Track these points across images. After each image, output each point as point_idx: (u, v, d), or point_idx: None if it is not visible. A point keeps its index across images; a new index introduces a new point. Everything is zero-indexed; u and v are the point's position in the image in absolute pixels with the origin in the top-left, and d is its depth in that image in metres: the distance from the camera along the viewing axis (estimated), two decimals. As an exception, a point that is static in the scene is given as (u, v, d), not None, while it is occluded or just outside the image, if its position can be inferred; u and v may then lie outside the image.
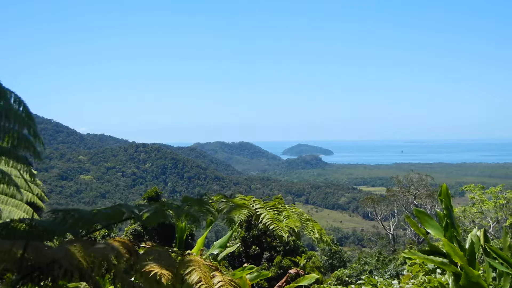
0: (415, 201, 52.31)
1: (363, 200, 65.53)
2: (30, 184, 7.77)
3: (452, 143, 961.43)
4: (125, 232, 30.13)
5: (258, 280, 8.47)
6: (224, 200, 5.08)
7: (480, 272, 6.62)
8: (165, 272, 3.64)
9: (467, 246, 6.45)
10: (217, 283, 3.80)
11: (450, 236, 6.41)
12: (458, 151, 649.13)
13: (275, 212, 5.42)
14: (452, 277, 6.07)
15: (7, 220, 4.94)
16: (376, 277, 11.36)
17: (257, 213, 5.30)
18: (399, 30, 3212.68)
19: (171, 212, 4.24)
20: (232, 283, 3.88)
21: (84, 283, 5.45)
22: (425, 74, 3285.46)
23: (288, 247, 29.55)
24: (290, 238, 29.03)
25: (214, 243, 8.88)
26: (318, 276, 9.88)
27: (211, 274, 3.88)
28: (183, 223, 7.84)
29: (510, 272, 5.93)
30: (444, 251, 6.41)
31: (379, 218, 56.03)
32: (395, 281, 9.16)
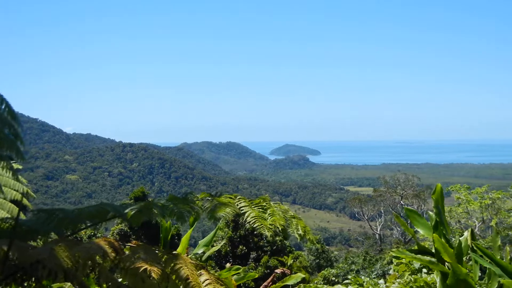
0: (401, 201, 52.52)
1: (350, 200, 65.78)
2: (14, 181, 7.72)
3: (439, 144, 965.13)
4: (111, 232, 30.03)
5: (245, 280, 8.46)
6: (209, 199, 5.07)
7: (467, 271, 6.65)
8: (154, 268, 3.62)
9: (455, 245, 6.48)
10: (204, 281, 3.79)
11: (439, 235, 6.42)
12: (445, 152, 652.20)
13: (260, 210, 5.40)
14: (440, 276, 6.08)
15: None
16: (363, 277, 11.38)
17: (242, 211, 5.29)
18: (394, 30, 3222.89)
19: (156, 211, 4.22)
20: (219, 281, 3.88)
21: (69, 284, 5.42)
22: (414, 75, 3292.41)
23: (275, 247, 29.55)
24: (277, 238, 29.09)
25: (199, 242, 8.87)
26: (304, 276, 9.91)
27: (198, 272, 3.87)
28: (168, 223, 7.83)
29: (496, 271, 5.95)
30: (433, 250, 6.43)
31: (366, 218, 56.22)
32: (381, 281, 9.18)
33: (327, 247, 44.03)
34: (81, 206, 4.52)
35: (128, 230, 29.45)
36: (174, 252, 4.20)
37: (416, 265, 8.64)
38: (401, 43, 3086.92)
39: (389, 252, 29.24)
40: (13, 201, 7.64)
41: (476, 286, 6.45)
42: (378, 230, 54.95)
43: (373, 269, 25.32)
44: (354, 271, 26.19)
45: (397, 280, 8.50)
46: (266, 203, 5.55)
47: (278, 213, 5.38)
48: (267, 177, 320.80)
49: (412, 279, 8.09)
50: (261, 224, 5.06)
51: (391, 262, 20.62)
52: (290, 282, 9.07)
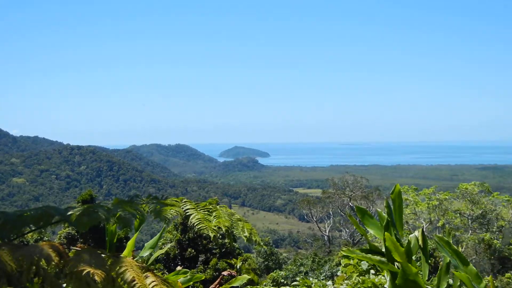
0: (350, 203, 52.94)
1: (299, 202, 66.17)
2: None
3: (387, 146, 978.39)
4: (58, 235, 29.64)
5: (193, 283, 8.44)
6: (155, 202, 5.03)
7: (417, 270, 6.73)
8: (98, 271, 3.57)
9: (405, 245, 6.54)
10: (151, 283, 3.76)
11: (390, 234, 6.47)
12: (393, 153, 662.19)
13: (206, 212, 5.39)
14: (389, 275, 6.13)
15: None
16: (311, 279, 11.43)
17: (187, 213, 5.26)
18: (339, 28, 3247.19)
19: (101, 214, 4.18)
20: (165, 283, 3.85)
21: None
22: (358, 77, 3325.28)
23: (224, 250, 29.56)
24: (226, 241, 29.08)
25: (145, 244, 8.83)
26: (249, 276, 9.91)
27: (144, 274, 3.84)
28: (113, 226, 7.75)
29: (460, 266, 6.02)
30: (383, 249, 6.47)
31: (315, 220, 56.54)
32: (330, 282, 9.22)
33: (276, 249, 44.22)
34: (24, 209, 4.43)
35: (76, 234, 29.10)
36: (119, 255, 4.15)
37: (364, 266, 8.71)
38: (348, 41, 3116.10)
39: (337, 254, 29.53)
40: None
41: (425, 285, 6.54)
42: (327, 232, 55.33)
43: (321, 271, 25.49)
44: (303, 273, 26.33)
45: (345, 281, 8.55)
46: (212, 206, 5.54)
47: (224, 215, 5.37)
48: (216, 179, 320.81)
49: (360, 280, 8.14)
50: (205, 226, 5.04)
51: (340, 264, 20.82)
52: (236, 283, 9.09)
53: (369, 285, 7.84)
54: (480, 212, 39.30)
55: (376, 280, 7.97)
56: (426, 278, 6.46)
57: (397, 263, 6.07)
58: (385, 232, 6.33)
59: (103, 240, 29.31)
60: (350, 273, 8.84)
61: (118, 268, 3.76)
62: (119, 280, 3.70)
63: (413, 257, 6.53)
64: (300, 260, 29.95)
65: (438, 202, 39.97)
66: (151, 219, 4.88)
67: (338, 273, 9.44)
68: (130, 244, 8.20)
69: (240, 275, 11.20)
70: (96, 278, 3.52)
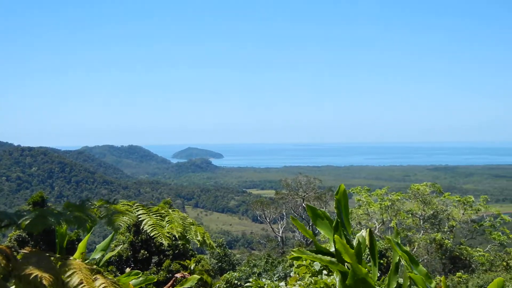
0: (303, 204, 53.19)
1: (252, 203, 66.33)
2: None
3: (340, 147, 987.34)
4: (9, 238, 29.19)
5: (144, 285, 8.37)
6: (106, 206, 4.97)
7: (367, 271, 6.76)
8: (45, 274, 3.52)
9: (355, 246, 6.57)
10: (100, 285, 3.71)
11: (340, 235, 6.49)
12: (346, 154, 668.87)
13: (158, 217, 5.34)
14: (339, 276, 6.15)
15: None
16: (264, 279, 11.44)
17: (140, 219, 5.21)
18: (294, 30, 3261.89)
19: (51, 218, 4.11)
20: (115, 284, 3.80)
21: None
22: (308, 78, 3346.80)
23: (177, 251, 29.45)
24: (179, 242, 28.98)
25: (97, 246, 8.74)
26: (200, 276, 9.90)
27: (93, 277, 3.79)
28: (64, 229, 7.66)
29: (409, 266, 6.08)
30: (332, 250, 6.49)
31: (268, 221, 56.71)
32: (283, 283, 9.24)
33: (229, 250, 44.26)
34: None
35: (27, 236, 28.70)
36: (69, 257, 4.09)
37: (317, 267, 8.74)
38: (299, 43, 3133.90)
39: (289, 253, 29.64)
40: None
41: (376, 286, 6.58)
42: (280, 232, 55.58)
43: (275, 272, 25.56)
44: (256, 274, 26.36)
45: (298, 282, 8.56)
46: (165, 211, 5.50)
47: (177, 220, 5.34)
48: (169, 180, 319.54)
49: (313, 281, 8.17)
50: (158, 233, 5.00)
51: (293, 264, 20.93)
52: (187, 284, 9.07)
53: (322, 286, 7.86)
54: (431, 212, 39.92)
55: (329, 280, 8.00)
56: (376, 278, 6.50)
57: (347, 264, 6.10)
58: (335, 235, 6.34)
59: (54, 242, 29.00)
60: (303, 273, 8.85)
61: (66, 270, 3.71)
62: (67, 282, 3.65)
63: (364, 257, 6.57)
64: (253, 261, 29.97)
65: (390, 203, 40.47)
66: (104, 221, 4.83)
67: (291, 274, 9.45)
68: (81, 246, 8.11)
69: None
70: (44, 281, 3.47)
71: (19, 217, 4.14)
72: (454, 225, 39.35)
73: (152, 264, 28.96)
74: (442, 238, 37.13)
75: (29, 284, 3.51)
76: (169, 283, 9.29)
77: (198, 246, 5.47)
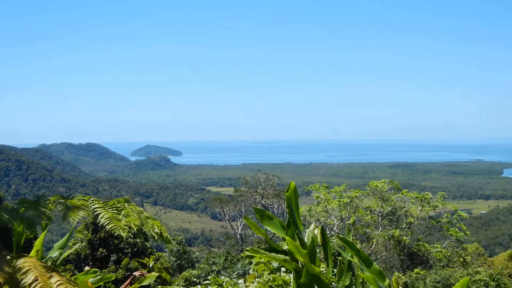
0: (262, 201, 53.26)
1: (211, 201, 66.31)
2: None
3: (299, 144, 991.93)
4: (-36, 237, 28.76)
5: (103, 283, 8.33)
6: (62, 201, 4.93)
7: (321, 268, 6.79)
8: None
9: (308, 243, 6.59)
10: (55, 282, 3.68)
11: (292, 234, 6.49)
12: (305, 151, 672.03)
13: (115, 211, 5.32)
14: (294, 274, 6.17)
15: None
16: (223, 277, 11.44)
17: (96, 213, 5.18)
18: (253, 30, 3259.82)
19: (5, 215, 4.06)
20: (71, 282, 3.78)
21: None
22: (270, 77, 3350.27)
23: (136, 249, 29.31)
24: (138, 240, 28.87)
25: (54, 245, 8.67)
26: (158, 274, 9.89)
27: (49, 274, 3.76)
28: (20, 227, 7.58)
29: (359, 263, 6.12)
30: (285, 248, 6.51)
31: (227, 218, 56.65)
32: (241, 280, 9.26)
33: (188, 248, 44.14)
34: None
35: (-18, 235, 28.31)
36: (25, 255, 4.05)
37: (275, 264, 8.78)
38: (246, 41, 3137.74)
39: (245, 250, 29.68)
40: None
41: (331, 283, 6.62)
42: (240, 230, 55.57)
43: (234, 269, 25.57)
44: (215, 272, 26.35)
45: (256, 279, 8.60)
46: (121, 205, 5.48)
47: (133, 214, 5.33)
48: (128, 178, 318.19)
49: (271, 278, 8.21)
50: (115, 225, 4.98)
51: (252, 262, 20.97)
52: (145, 282, 9.08)
53: (280, 283, 7.91)
54: (389, 209, 40.32)
55: (287, 277, 8.05)
56: (330, 275, 6.54)
57: (301, 262, 6.12)
58: (287, 236, 6.36)
59: (11, 241, 28.61)
60: (261, 271, 8.88)
61: (20, 268, 3.67)
62: (22, 280, 3.61)
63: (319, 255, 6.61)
64: (212, 258, 29.94)
65: (349, 200, 40.75)
66: (60, 216, 4.77)
67: (250, 271, 9.47)
68: (37, 244, 8.04)
69: (151, 274, 11.16)
70: (-1, 279, 3.43)
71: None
72: (412, 221, 39.77)
73: (110, 262, 28.78)
74: (400, 235, 37.55)
75: (-16, 283, 3.47)
76: (127, 281, 9.26)
77: (156, 240, 5.46)
